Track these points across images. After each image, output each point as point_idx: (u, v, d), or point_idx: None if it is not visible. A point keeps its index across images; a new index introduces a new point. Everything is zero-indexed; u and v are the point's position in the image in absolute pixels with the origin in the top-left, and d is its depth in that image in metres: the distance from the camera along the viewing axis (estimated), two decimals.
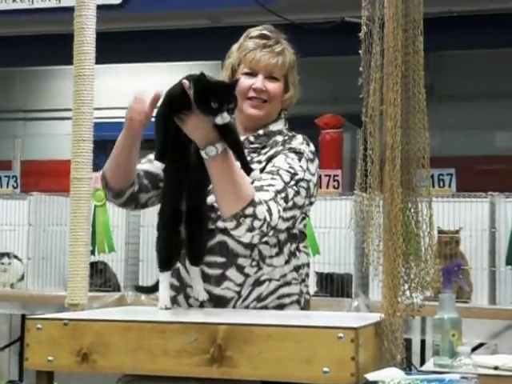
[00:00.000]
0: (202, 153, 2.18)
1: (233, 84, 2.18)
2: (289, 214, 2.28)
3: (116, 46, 6.37)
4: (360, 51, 2.11)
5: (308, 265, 2.46)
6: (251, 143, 2.44)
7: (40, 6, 6.57)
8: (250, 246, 2.30)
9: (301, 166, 2.34)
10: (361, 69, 2.14)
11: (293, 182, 2.30)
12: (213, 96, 2.10)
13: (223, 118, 2.11)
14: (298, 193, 2.31)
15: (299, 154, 2.37)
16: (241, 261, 2.31)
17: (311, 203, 2.41)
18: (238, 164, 2.24)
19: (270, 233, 2.24)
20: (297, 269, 2.38)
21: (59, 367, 2.00)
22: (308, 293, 2.45)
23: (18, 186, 5.34)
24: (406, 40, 2.06)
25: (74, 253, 2.97)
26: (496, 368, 1.99)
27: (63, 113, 7.70)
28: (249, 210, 2.19)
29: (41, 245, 5.02)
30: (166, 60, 7.34)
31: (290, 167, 2.32)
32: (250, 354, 1.87)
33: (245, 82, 2.44)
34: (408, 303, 2.04)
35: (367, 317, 2.32)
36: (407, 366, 2.05)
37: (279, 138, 2.44)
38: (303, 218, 2.42)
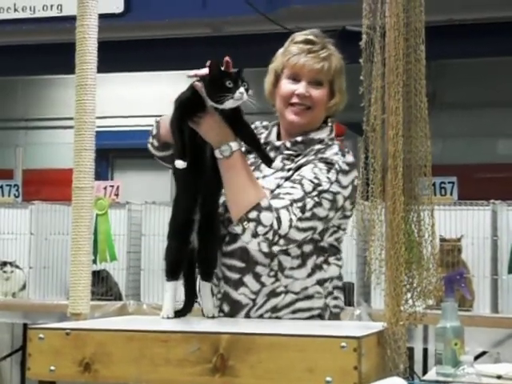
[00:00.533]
0: (216, 152, 2.21)
1: (241, 70, 2.21)
2: (305, 224, 2.23)
3: (118, 55, 6.37)
4: (361, 60, 2.12)
5: (339, 278, 2.39)
6: (287, 149, 2.39)
7: (41, 15, 6.58)
8: (270, 256, 2.27)
9: (328, 178, 2.27)
10: (362, 77, 2.15)
11: (315, 193, 2.24)
12: (226, 77, 2.16)
13: (241, 93, 2.15)
14: (319, 204, 2.24)
15: (329, 164, 2.30)
16: (259, 269, 2.28)
17: (345, 216, 2.34)
18: (250, 168, 2.26)
19: (281, 242, 2.19)
20: (321, 282, 2.32)
21: (61, 377, 2.00)
22: (337, 306, 2.37)
23: (20, 194, 5.35)
24: (408, 49, 2.06)
25: (76, 262, 2.96)
26: (499, 377, 1.98)
27: (65, 122, 7.70)
28: (252, 214, 2.18)
29: (42, 254, 5.03)
30: (168, 69, 7.34)
31: (315, 177, 2.26)
32: (252, 364, 1.87)
33: (287, 87, 2.40)
34: (411, 312, 2.04)
35: (370, 326, 2.31)
36: (410, 375, 2.04)
37: (318, 147, 2.37)
38: (335, 232, 2.34)
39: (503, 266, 4.38)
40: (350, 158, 2.36)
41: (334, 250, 2.37)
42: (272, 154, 2.38)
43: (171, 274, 2.28)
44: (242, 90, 2.16)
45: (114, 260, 4.87)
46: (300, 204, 2.22)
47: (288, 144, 2.39)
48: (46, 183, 7.70)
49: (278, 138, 2.45)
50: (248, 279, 2.29)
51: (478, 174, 7.01)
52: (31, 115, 8.57)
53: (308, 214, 2.23)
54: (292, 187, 2.25)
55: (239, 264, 2.30)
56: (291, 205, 2.21)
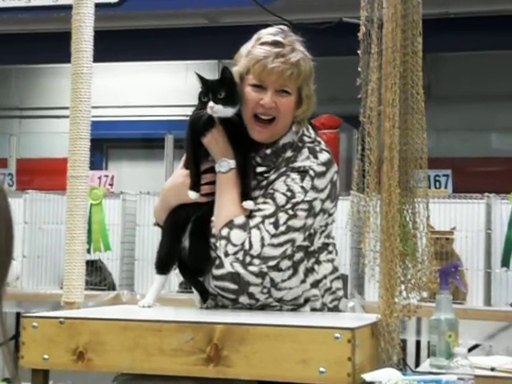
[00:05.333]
0: (216, 165, 2.21)
1: (222, 75, 2.18)
2: (282, 239, 2.15)
3: (113, 45, 6.36)
4: (358, 51, 2.11)
5: (333, 272, 2.33)
6: (259, 165, 2.27)
7: (37, 3, 6.56)
8: (261, 275, 2.21)
9: (302, 187, 2.18)
10: (359, 69, 2.14)
11: (288, 206, 2.16)
12: (202, 91, 2.17)
13: (210, 108, 2.15)
14: (294, 216, 2.16)
15: (302, 173, 2.19)
16: (252, 289, 2.24)
17: (330, 214, 2.26)
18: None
19: (255, 261, 2.14)
20: (315, 284, 2.27)
21: (55, 365, 2.00)
22: (335, 299, 2.33)
23: (14, 183, 5.34)
24: (405, 41, 2.06)
25: (70, 251, 2.96)
26: (492, 369, 1.99)
27: (59, 111, 7.70)
28: (224, 231, 2.16)
29: (36, 243, 5.01)
30: (164, 59, 7.34)
31: (288, 189, 2.18)
32: (246, 354, 1.87)
33: (252, 96, 2.21)
34: (405, 304, 2.04)
35: (364, 317, 2.32)
36: (403, 367, 2.05)
37: (288, 154, 2.24)
38: (323, 231, 2.27)
39: (496, 259, 4.39)
40: (323, 156, 2.23)
41: (326, 247, 2.31)
42: None
43: (160, 268, 2.31)
44: (210, 104, 2.14)
45: (108, 250, 4.86)
46: (272, 219, 2.15)
47: (258, 159, 2.26)
48: (40, 172, 7.69)
49: None
50: (243, 299, 2.26)
51: (472, 168, 7.02)
52: (25, 104, 8.55)
53: (282, 229, 2.16)
54: (264, 203, 2.18)
55: (232, 286, 2.25)
56: (263, 222, 2.15)
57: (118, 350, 1.94)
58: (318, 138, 2.32)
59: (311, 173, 2.20)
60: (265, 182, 2.25)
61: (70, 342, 1.97)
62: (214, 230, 2.21)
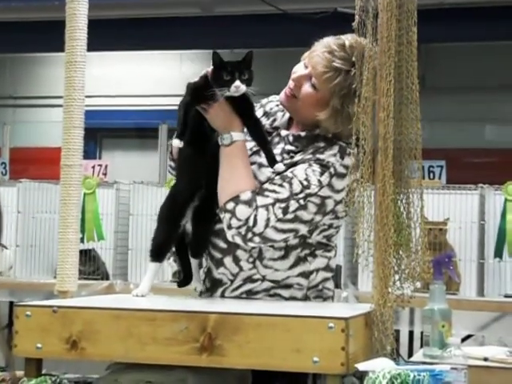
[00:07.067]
0: (219, 138, 2.23)
1: (245, 58, 2.19)
2: (286, 226, 2.18)
3: (106, 34, 6.34)
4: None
5: (326, 268, 2.33)
6: (289, 143, 2.31)
7: None
8: None
9: (319, 181, 2.20)
10: (353, 59, 2.15)
11: (301, 195, 2.19)
12: (224, 70, 2.17)
13: (236, 87, 2.16)
14: (303, 207, 2.18)
15: (324, 167, 2.21)
16: (239, 253, 2.26)
17: (338, 217, 2.26)
18: (247, 160, 2.24)
19: (256, 239, 2.17)
20: (306, 275, 2.28)
21: (48, 354, 2.00)
22: (319, 296, 2.33)
23: (7, 172, 5.33)
24: (400, 30, 2.05)
25: (64, 240, 2.96)
26: (485, 359, 2.00)
27: (53, 100, 7.69)
28: (229, 205, 2.18)
29: (29, 232, 5.01)
30: (157, 48, 7.33)
31: (306, 179, 2.20)
32: (240, 343, 1.87)
33: (296, 67, 2.33)
34: (398, 294, 2.04)
35: (358, 307, 2.32)
36: (396, 357, 2.05)
37: (320, 144, 2.27)
38: (324, 230, 2.27)
39: (490, 250, 4.41)
40: (349, 160, 2.22)
41: (323, 246, 2.32)
42: (276, 140, 2.35)
43: (156, 256, 2.30)
44: (237, 83, 2.16)
45: (102, 239, 4.86)
46: (283, 205, 2.18)
47: (291, 138, 2.31)
48: (34, 161, 7.68)
49: (290, 121, 2.39)
50: (228, 261, 2.28)
51: (466, 159, 7.04)
52: (19, 93, 8.54)
53: (290, 216, 2.18)
54: (280, 185, 2.20)
55: (222, 244, 2.29)
56: (274, 204, 2.18)
57: (112, 339, 1.94)
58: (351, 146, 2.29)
59: (332, 170, 2.22)
60: (288, 161, 2.27)
61: (64, 331, 1.97)
62: (219, 203, 2.22)
